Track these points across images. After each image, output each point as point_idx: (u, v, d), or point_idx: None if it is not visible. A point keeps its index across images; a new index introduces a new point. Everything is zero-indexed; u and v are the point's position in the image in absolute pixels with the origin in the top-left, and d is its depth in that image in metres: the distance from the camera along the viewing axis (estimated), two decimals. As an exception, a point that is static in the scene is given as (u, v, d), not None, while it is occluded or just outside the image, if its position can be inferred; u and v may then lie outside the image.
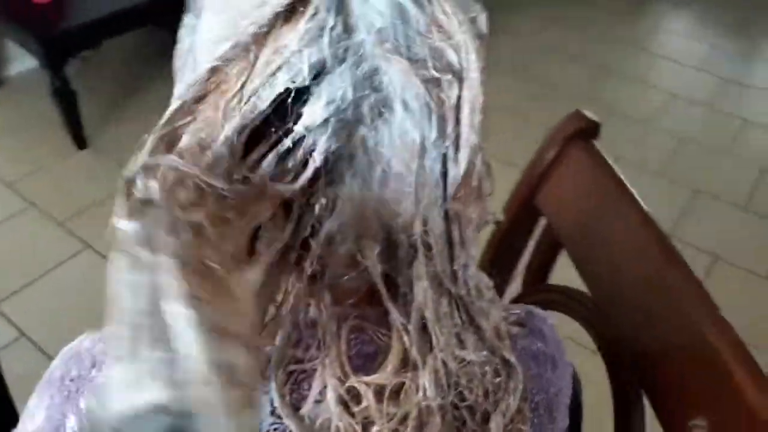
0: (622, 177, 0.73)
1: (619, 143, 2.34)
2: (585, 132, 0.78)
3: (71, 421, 0.47)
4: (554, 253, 0.81)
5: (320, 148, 0.37)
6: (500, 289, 0.92)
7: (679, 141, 2.49)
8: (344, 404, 0.41)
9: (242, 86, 0.37)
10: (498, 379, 0.44)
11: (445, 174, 0.40)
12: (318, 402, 0.41)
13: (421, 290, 0.41)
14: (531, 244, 0.85)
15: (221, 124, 0.36)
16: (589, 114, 0.78)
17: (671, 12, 3.50)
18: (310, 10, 0.36)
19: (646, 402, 0.65)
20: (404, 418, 0.41)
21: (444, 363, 0.41)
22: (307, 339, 0.42)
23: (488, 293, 0.45)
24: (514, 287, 0.87)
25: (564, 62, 2.97)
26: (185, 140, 0.36)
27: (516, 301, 0.84)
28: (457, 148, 0.39)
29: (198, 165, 0.34)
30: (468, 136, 0.39)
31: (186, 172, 0.34)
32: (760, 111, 2.69)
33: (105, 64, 2.69)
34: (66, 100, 2.17)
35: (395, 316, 0.41)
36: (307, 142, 0.37)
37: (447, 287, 0.42)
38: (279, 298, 0.41)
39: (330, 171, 0.38)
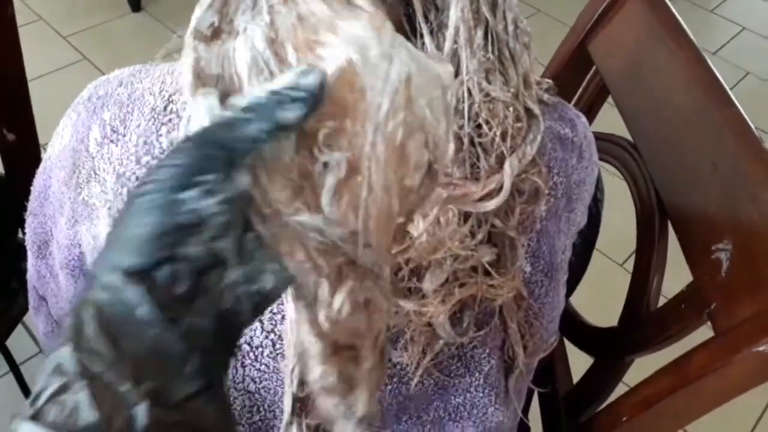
0: (680, 20, 0.71)
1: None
2: (648, -24, 0.75)
3: (94, 132, 0.48)
4: (599, 100, 0.80)
5: None
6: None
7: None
8: None
9: None
10: (519, 125, 0.43)
11: None
12: None
13: (458, 12, 0.40)
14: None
15: None
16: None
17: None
18: None
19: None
20: None
21: (469, 91, 0.41)
22: None
23: (524, 37, 0.44)
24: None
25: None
26: None
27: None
28: None
29: None
30: None
31: None
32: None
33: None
34: (126, -40, 2.18)
35: (427, 40, 0.41)
36: None
37: (485, 15, 0.41)
38: None
39: None
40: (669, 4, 0.72)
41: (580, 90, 0.82)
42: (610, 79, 0.76)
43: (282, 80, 0.28)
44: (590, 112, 0.81)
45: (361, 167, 0.28)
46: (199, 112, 0.29)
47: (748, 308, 0.53)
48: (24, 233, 1.03)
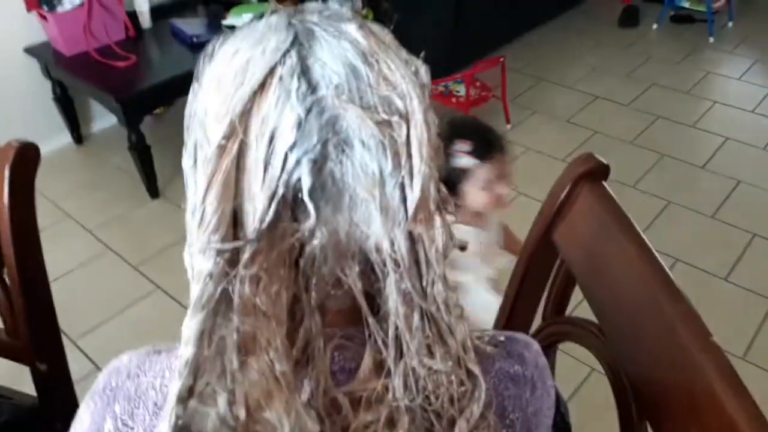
0: (629, 216, 0.79)
1: (669, 187, 2.35)
2: (593, 173, 0.84)
3: (108, 424, 0.55)
4: (570, 286, 0.86)
5: (305, 185, 0.44)
6: (526, 323, 0.98)
7: (734, 184, 2.47)
8: (327, 413, 0.46)
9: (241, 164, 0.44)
10: (463, 388, 0.49)
11: (404, 200, 0.46)
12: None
13: (394, 305, 0.47)
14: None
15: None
16: (599, 157, 0.84)
17: (726, 58, 3.50)
18: (276, 79, 0.45)
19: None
20: (377, 420, 0.46)
21: (413, 369, 0.47)
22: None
23: (456, 310, 0.50)
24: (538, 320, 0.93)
25: (615, 110, 3.02)
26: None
27: (534, 333, 0.90)
28: (411, 177, 0.46)
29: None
30: (419, 166, 0.46)
31: None
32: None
33: (177, 121, 2.89)
34: (141, 153, 2.37)
35: (372, 327, 0.47)
36: (292, 181, 0.44)
37: (417, 302, 0.48)
38: None
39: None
40: (615, 201, 0.81)
41: (552, 275, 0.89)
42: (573, 267, 0.84)
43: None
44: (563, 297, 0.88)
45: None
46: None
47: None
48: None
